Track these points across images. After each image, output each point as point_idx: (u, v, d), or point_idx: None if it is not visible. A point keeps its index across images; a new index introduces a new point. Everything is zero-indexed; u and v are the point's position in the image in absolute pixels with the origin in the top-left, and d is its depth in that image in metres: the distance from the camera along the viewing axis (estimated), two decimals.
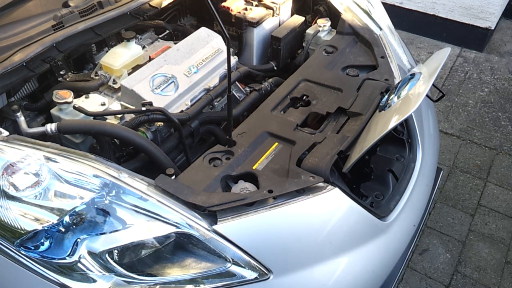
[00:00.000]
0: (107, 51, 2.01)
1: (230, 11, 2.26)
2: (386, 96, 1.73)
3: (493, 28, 4.02)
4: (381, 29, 2.21)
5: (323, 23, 2.27)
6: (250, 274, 1.36)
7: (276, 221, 1.41)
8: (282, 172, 1.51)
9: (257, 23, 2.23)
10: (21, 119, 1.62)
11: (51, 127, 1.57)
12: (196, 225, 1.33)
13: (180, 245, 1.36)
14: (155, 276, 1.32)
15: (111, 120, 1.73)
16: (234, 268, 1.35)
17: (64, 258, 1.29)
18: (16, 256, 1.30)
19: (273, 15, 2.33)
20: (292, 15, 2.41)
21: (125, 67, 1.92)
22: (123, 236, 1.30)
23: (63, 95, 1.69)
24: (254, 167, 1.52)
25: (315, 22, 2.31)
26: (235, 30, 2.26)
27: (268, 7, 2.31)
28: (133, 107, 1.76)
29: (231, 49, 2.14)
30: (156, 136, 1.75)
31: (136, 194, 1.34)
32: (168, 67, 1.84)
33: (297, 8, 2.50)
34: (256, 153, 1.58)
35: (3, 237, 1.30)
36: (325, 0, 2.37)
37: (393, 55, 2.08)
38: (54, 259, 1.29)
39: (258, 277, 1.37)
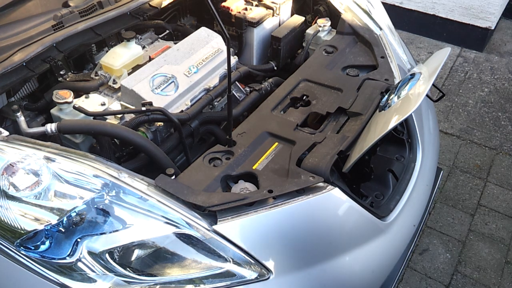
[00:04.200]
0: (107, 51, 2.01)
1: (230, 11, 2.26)
2: (386, 96, 1.73)
3: (493, 28, 4.02)
4: (381, 29, 2.21)
5: (323, 23, 2.27)
6: (250, 274, 1.36)
7: (276, 221, 1.41)
8: (282, 172, 1.51)
9: (257, 23, 2.23)
10: (21, 119, 1.62)
11: (51, 127, 1.57)
12: (196, 225, 1.33)
13: (180, 245, 1.36)
14: (155, 276, 1.32)
15: (111, 120, 1.73)
16: (234, 268, 1.35)
17: (64, 258, 1.29)
18: (16, 256, 1.30)
19: (273, 15, 2.33)
20: (292, 15, 2.41)
21: (125, 67, 1.92)
22: (123, 236, 1.31)
23: (63, 95, 1.69)
24: (254, 167, 1.52)
25: (315, 22, 2.31)
26: (235, 30, 2.26)
27: (268, 7, 2.32)
28: (133, 107, 1.76)
29: (231, 49, 2.14)
30: (156, 136, 1.75)
31: (136, 194, 1.34)
32: (168, 67, 1.84)
33: (297, 8, 2.50)
34: (256, 153, 1.58)
35: (3, 237, 1.30)
36: (325, 0, 2.37)
37: (393, 55, 2.08)
38: (54, 259, 1.29)
39: (258, 277, 1.37)
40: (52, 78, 1.89)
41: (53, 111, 1.75)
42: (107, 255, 1.30)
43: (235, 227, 1.35)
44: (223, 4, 2.30)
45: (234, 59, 2.07)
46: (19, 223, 1.28)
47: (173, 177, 1.44)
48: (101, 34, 1.93)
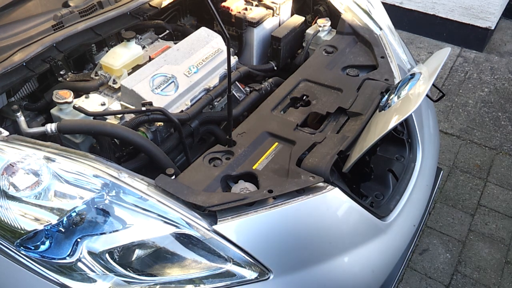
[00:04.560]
0: (107, 51, 2.01)
1: (230, 11, 2.26)
2: (386, 96, 1.73)
3: (493, 28, 4.02)
4: (381, 29, 2.21)
5: (323, 23, 2.27)
6: (250, 274, 1.36)
7: (276, 221, 1.41)
8: (282, 172, 1.51)
9: (257, 23, 2.23)
10: (21, 119, 1.62)
11: (51, 127, 1.57)
12: (196, 225, 1.33)
13: (180, 245, 1.36)
14: (155, 276, 1.32)
15: (111, 120, 1.73)
16: (234, 268, 1.35)
17: (64, 258, 1.29)
18: (16, 256, 1.30)
19: (273, 15, 2.33)
20: (292, 15, 2.41)
21: (125, 67, 1.92)
22: (123, 236, 1.30)
23: (63, 95, 1.69)
24: (254, 167, 1.52)
25: (315, 22, 2.31)
26: (235, 30, 2.26)
27: (268, 7, 2.31)
28: (133, 107, 1.76)
29: (231, 49, 2.14)
30: (156, 136, 1.75)
31: (136, 194, 1.34)
32: (168, 67, 1.84)
33: (297, 8, 2.50)
34: (256, 153, 1.58)
35: (3, 237, 1.30)
36: (325, 0, 2.38)
37: (393, 55, 2.08)
38: (54, 259, 1.29)
39: (258, 277, 1.37)
40: (52, 78, 1.89)
41: (53, 111, 1.75)
42: (107, 255, 1.30)
43: (235, 227, 1.35)
44: (223, 4, 2.30)
45: (234, 59, 2.07)
46: (19, 223, 1.28)
47: (173, 177, 1.44)
48: (101, 34, 1.93)
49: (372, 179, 1.73)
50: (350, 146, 1.59)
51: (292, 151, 1.58)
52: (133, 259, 1.33)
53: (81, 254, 1.29)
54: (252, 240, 1.37)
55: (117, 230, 1.31)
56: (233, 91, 2.00)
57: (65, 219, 1.28)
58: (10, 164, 1.32)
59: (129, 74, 1.88)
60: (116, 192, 1.33)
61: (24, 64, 1.68)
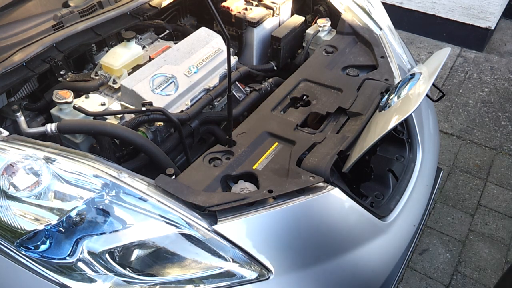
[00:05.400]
0: (107, 51, 2.01)
1: (230, 11, 2.26)
2: (386, 96, 1.73)
3: (493, 28, 4.02)
4: (381, 29, 2.21)
5: (323, 23, 2.27)
6: (250, 274, 1.36)
7: (276, 221, 1.41)
8: (282, 172, 1.51)
9: (257, 23, 2.23)
10: (21, 119, 1.62)
11: (51, 127, 1.57)
12: (196, 225, 1.33)
13: (180, 245, 1.36)
14: (155, 276, 1.32)
15: (111, 120, 1.73)
16: (234, 268, 1.35)
17: (64, 258, 1.29)
18: (16, 256, 1.30)
19: (273, 15, 2.33)
20: (292, 15, 2.41)
21: (125, 67, 1.92)
22: (123, 236, 1.30)
23: (63, 95, 1.69)
24: (254, 167, 1.52)
25: (315, 22, 2.31)
26: (235, 30, 2.26)
27: (268, 7, 2.32)
28: (133, 107, 1.76)
29: (231, 49, 2.14)
30: (156, 136, 1.75)
31: (136, 194, 1.34)
32: (168, 67, 1.85)
33: (297, 8, 2.50)
34: (256, 153, 1.58)
35: (3, 237, 1.30)
36: (325, 0, 2.38)
37: (393, 55, 2.08)
38: (54, 259, 1.29)
39: (258, 277, 1.37)
40: (52, 78, 1.89)
41: (53, 111, 1.75)
42: (107, 255, 1.30)
43: (235, 227, 1.35)
44: (223, 4, 2.30)
45: (234, 59, 2.07)
46: (19, 223, 1.28)
47: (173, 177, 1.44)
48: (101, 34, 1.93)
49: (372, 179, 1.73)
50: (350, 146, 1.59)
51: (292, 151, 1.58)
52: (133, 259, 1.33)
53: (81, 254, 1.29)
54: (252, 240, 1.37)
55: (117, 230, 1.31)
56: (233, 91, 2.00)
57: (65, 219, 1.28)
58: (10, 164, 1.32)
59: (129, 74, 1.88)
60: (116, 192, 1.33)
61: (24, 64, 1.69)
